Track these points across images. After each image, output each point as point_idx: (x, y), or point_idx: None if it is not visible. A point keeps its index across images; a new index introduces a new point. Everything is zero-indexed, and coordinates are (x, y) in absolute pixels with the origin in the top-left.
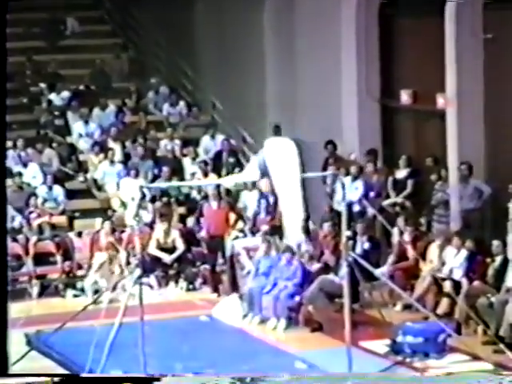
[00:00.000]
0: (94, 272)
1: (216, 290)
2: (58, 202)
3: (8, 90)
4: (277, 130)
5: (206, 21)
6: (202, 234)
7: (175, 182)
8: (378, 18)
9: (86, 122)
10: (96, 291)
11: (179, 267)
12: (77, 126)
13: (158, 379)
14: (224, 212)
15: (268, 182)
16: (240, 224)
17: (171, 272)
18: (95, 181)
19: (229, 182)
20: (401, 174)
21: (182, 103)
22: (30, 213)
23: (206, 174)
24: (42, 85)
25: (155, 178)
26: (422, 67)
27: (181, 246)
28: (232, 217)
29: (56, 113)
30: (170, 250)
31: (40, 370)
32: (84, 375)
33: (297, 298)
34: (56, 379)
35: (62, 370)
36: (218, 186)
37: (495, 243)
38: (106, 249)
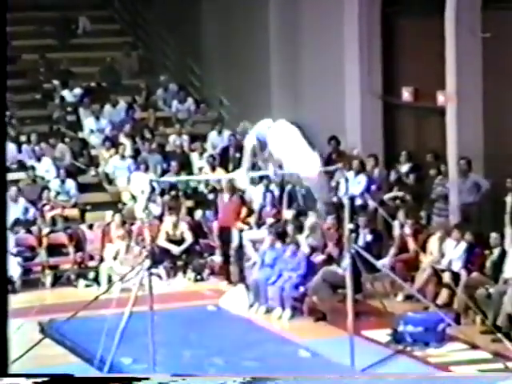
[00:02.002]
0: (110, 258)
1: (228, 279)
2: (70, 195)
3: (22, 86)
4: None
5: (213, 19)
6: (214, 225)
7: (184, 177)
8: (380, 17)
9: (98, 118)
10: (110, 278)
11: (187, 258)
12: (88, 122)
13: (147, 378)
14: (234, 205)
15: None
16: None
17: (180, 263)
18: (106, 175)
19: (235, 176)
20: (402, 169)
21: (190, 100)
22: (44, 205)
23: (213, 169)
24: (55, 82)
25: (164, 172)
26: (422, 65)
27: (189, 238)
28: (244, 210)
29: (68, 109)
30: (179, 241)
31: (53, 358)
32: (77, 375)
33: (301, 289)
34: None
35: (74, 358)
36: (230, 180)
37: (493, 236)
38: (123, 238)
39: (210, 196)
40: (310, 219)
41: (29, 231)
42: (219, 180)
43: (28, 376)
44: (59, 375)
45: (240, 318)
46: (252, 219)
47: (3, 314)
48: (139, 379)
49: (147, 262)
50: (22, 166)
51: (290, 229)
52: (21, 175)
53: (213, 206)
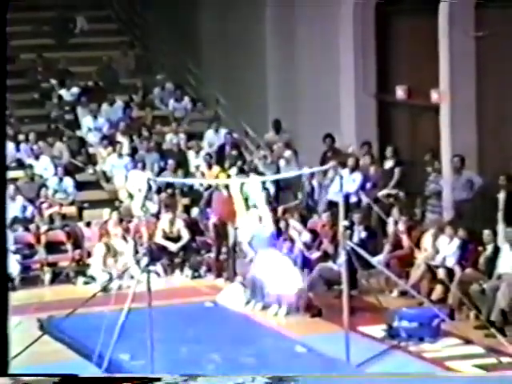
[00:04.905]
0: (97, 263)
1: (219, 275)
2: (67, 193)
3: (20, 85)
4: (277, 125)
5: (210, 19)
6: (212, 220)
7: (183, 179)
8: (374, 17)
9: (95, 117)
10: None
11: (184, 255)
12: (86, 121)
13: (158, 379)
14: (233, 200)
15: None
16: None
17: (177, 260)
18: (104, 173)
19: (232, 182)
20: (388, 164)
21: (186, 99)
22: (42, 203)
23: (210, 167)
24: (53, 81)
25: (161, 170)
26: (416, 64)
27: (186, 236)
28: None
29: (66, 108)
30: (176, 239)
31: (52, 354)
32: (83, 375)
33: None
34: (56, 379)
35: (73, 354)
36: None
37: (486, 232)
38: (102, 238)
39: (206, 193)
40: (290, 222)
41: (27, 229)
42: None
43: (28, 375)
44: (67, 375)
45: (237, 315)
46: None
47: (4, 315)
48: (154, 379)
49: (145, 259)
50: (20, 165)
51: (282, 226)
52: (19, 173)
53: (208, 202)
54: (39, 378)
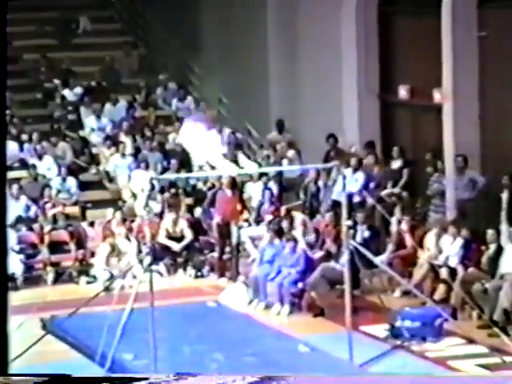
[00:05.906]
0: (101, 262)
1: (222, 275)
2: (71, 193)
3: (23, 85)
4: (280, 124)
5: (212, 19)
6: (216, 220)
7: (183, 174)
8: (377, 16)
9: (98, 117)
10: (111, 276)
11: (187, 255)
12: (89, 121)
13: (146, 378)
14: (237, 199)
15: None
16: (245, 214)
17: (180, 260)
18: (107, 173)
19: (232, 172)
20: (395, 164)
21: (189, 98)
22: (45, 203)
23: (213, 166)
24: (56, 81)
25: (164, 170)
26: (419, 63)
27: (189, 235)
28: (238, 206)
29: (69, 108)
30: (179, 238)
31: (55, 354)
32: (74, 376)
33: (300, 285)
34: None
35: (76, 354)
36: (231, 175)
37: (489, 232)
38: (106, 239)
39: (209, 193)
40: (299, 216)
41: (30, 229)
42: (219, 177)
43: (27, 375)
44: (57, 375)
45: (239, 314)
46: (251, 216)
47: (3, 316)
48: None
49: (148, 259)
50: (23, 165)
51: (285, 226)
52: (22, 173)
53: (211, 202)
54: (27, 377)
